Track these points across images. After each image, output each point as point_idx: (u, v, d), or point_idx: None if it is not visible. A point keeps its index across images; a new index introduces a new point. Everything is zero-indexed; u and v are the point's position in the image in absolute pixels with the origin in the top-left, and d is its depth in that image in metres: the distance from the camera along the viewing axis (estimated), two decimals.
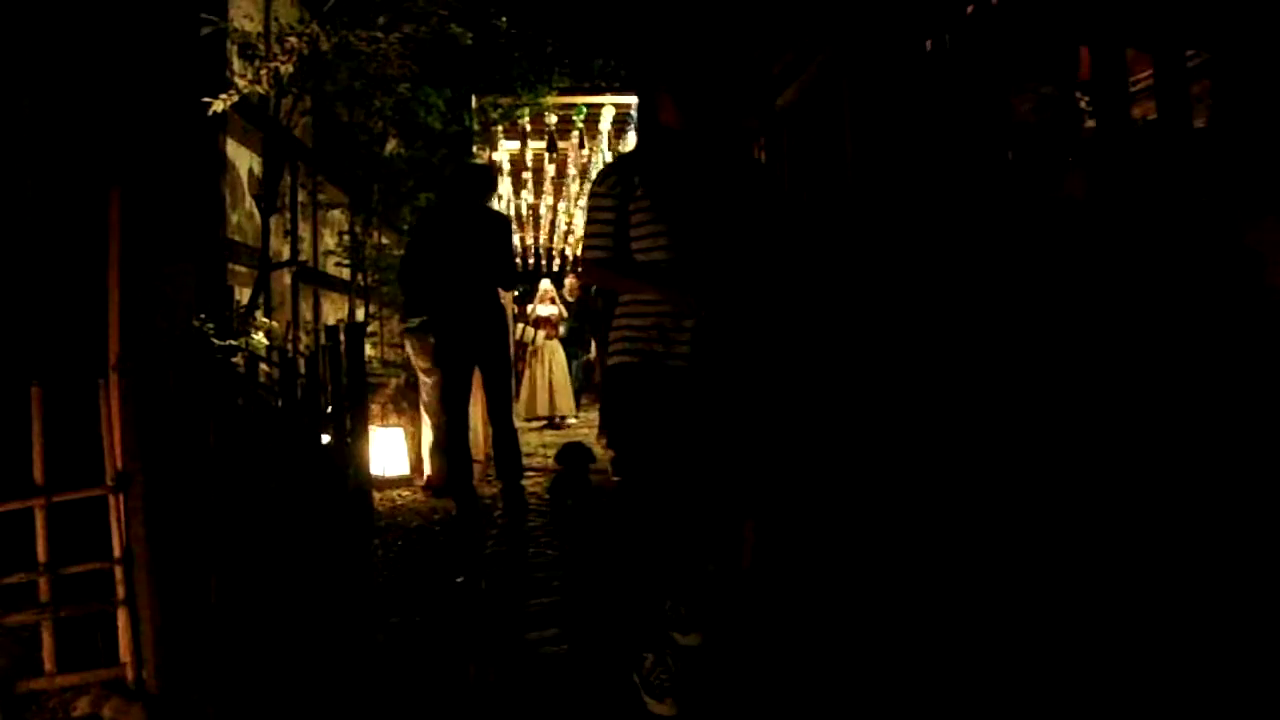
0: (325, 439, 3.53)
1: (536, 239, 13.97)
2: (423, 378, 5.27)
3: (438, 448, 5.24)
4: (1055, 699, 2.06)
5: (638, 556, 2.42)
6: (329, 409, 3.57)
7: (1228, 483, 1.92)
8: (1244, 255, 1.93)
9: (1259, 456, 1.88)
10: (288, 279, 5.85)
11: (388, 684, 2.41)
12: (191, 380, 2.59)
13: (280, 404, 3.21)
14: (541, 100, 7.21)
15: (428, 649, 2.69)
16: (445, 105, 6.16)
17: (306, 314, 6.30)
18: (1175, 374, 2.00)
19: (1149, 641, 1.99)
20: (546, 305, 9.70)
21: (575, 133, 7.93)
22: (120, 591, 2.13)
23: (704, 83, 2.34)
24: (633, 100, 6.98)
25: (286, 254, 5.45)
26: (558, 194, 10.83)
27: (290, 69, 4.34)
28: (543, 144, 8.11)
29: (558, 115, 7.56)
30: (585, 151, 8.28)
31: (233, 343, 3.78)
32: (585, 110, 7.51)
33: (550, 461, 6.12)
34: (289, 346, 3.97)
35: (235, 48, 4.58)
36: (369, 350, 5.75)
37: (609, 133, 7.94)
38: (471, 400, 5.06)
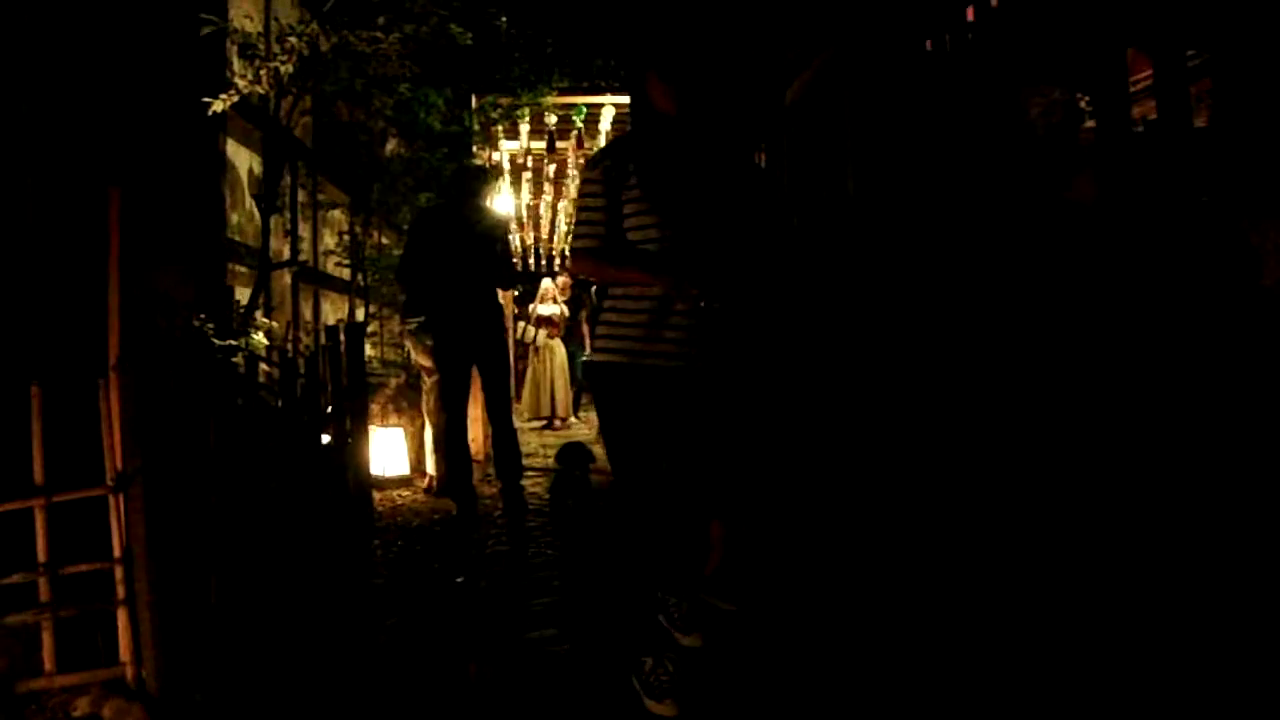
0: (325, 439, 3.53)
1: (536, 239, 13.97)
2: (425, 377, 5.28)
3: (438, 448, 5.25)
4: (1044, 699, 2.06)
5: (631, 556, 2.40)
6: (329, 409, 3.57)
7: (1228, 482, 1.92)
8: (1242, 256, 1.93)
9: (1259, 456, 1.88)
10: (288, 279, 5.85)
11: (388, 684, 2.41)
12: (191, 380, 2.59)
13: (280, 404, 3.21)
14: (541, 100, 7.22)
15: (428, 649, 2.69)
16: (445, 105, 6.17)
17: (306, 314, 6.30)
18: (1175, 376, 2.00)
19: (1144, 639, 1.99)
20: (548, 304, 9.69)
21: (575, 132, 7.93)
22: (120, 591, 2.13)
23: (694, 66, 2.27)
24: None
25: (286, 254, 5.46)
26: (558, 194, 10.83)
27: (290, 69, 4.34)
28: (543, 144, 8.12)
29: (558, 115, 7.57)
30: (585, 151, 8.29)
31: (233, 343, 3.78)
32: (585, 110, 7.52)
33: (550, 461, 6.12)
34: (289, 346, 3.98)
35: (235, 48, 4.59)
36: (369, 350, 5.75)
37: (609, 133, 7.95)
38: (472, 400, 5.06)
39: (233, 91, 4.20)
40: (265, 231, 4.81)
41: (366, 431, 4.34)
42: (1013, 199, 2.24)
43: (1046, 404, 2.18)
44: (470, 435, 5.14)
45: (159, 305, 3.66)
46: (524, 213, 12.07)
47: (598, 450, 6.01)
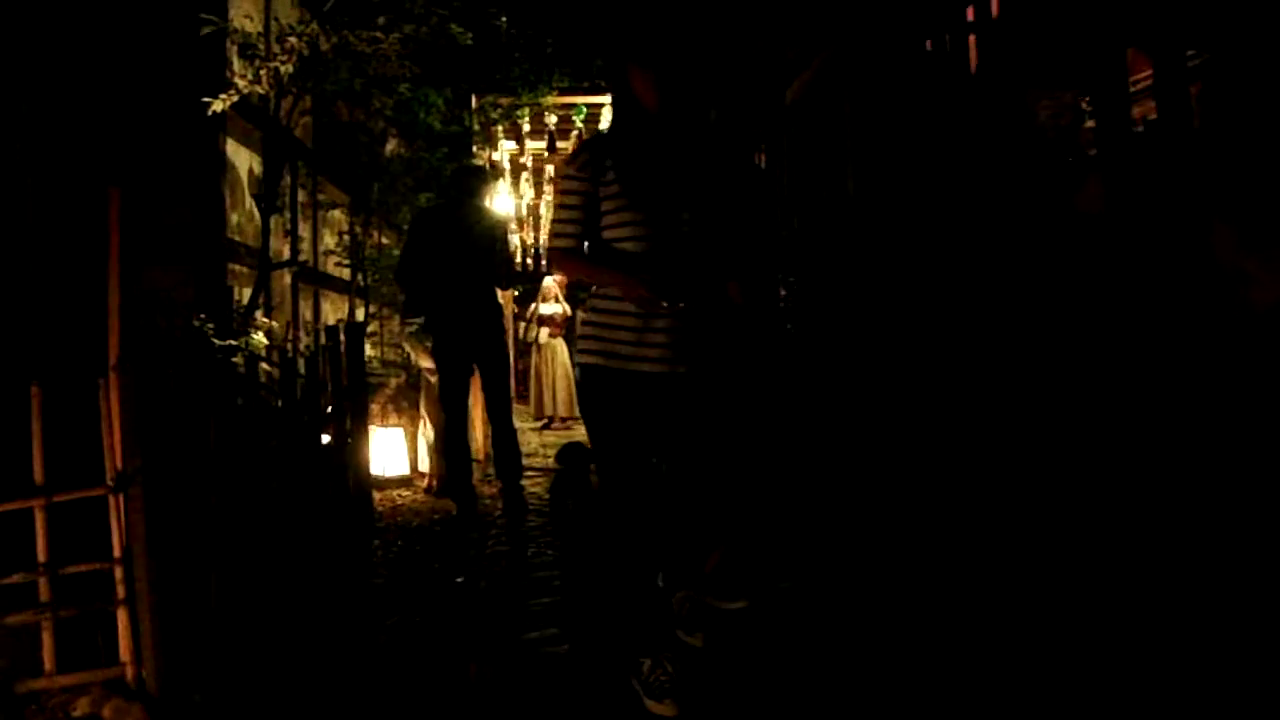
0: (325, 439, 3.53)
1: (536, 239, 13.98)
2: (426, 377, 5.27)
3: (438, 448, 5.25)
4: (1044, 697, 2.06)
5: (617, 555, 2.36)
6: (329, 409, 3.57)
7: (1223, 485, 1.92)
8: (1226, 270, 1.90)
9: (1247, 466, 1.88)
10: (288, 279, 5.85)
11: (388, 684, 2.41)
12: (191, 380, 2.59)
13: (280, 404, 3.21)
14: (541, 100, 7.22)
15: (428, 649, 2.69)
16: (445, 105, 6.17)
17: (306, 314, 6.30)
18: (1168, 387, 1.99)
19: (1143, 644, 1.99)
20: (550, 304, 9.68)
21: (575, 132, 7.94)
22: (120, 591, 2.13)
23: (677, 56, 2.15)
24: None
25: (286, 254, 5.46)
26: (558, 194, 10.83)
27: (290, 69, 4.34)
28: (543, 144, 8.12)
29: (558, 115, 7.57)
30: None
31: (233, 343, 3.78)
32: (585, 110, 7.52)
33: (550, 461, 6.12)
34: (289, 346, 3.98)
35: (235, 48, 4.59)
36: (369, 350, 5.75)
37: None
38: (472, 400, 5.06)
39: (233, 91, 4.20)
40: (265, 231, 4.81)
41: (366, 431, 4.34)
42: (1016, 202, 2.20)
43: (1044, 407, 2.18)
44: (470, 435, 5.14)
45: (159, 305, 3.66)
46: (524, 213, 12.08)
47: None
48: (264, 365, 3.59)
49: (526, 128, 7.87)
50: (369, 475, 4.53)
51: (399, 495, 5.28)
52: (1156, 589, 1.97)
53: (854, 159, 3.70)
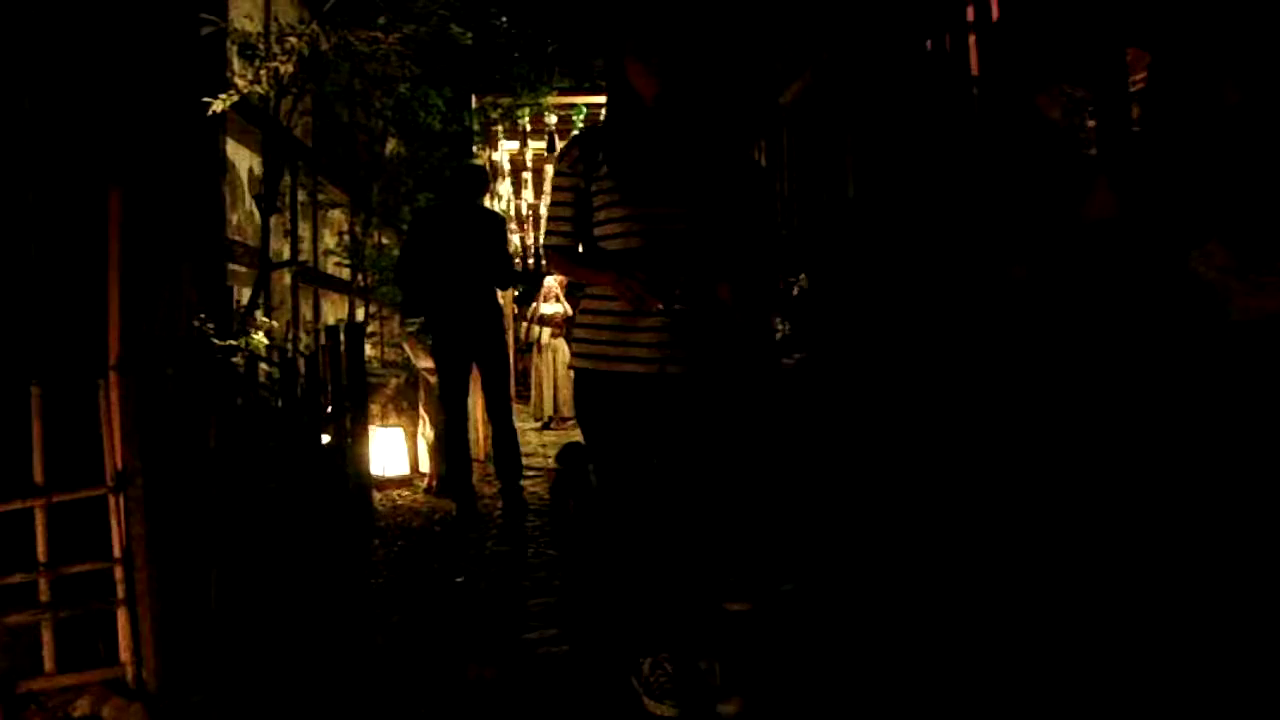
0: (325, 439, 3.53)
1: (537, 239, 13.96)
2: (426, 377, 5.28)
3: (438, 447, 5.25)
4: (1061, 696, 2.06)
5: (621, 558, 2.31)
6: (329, 409, 3.57)
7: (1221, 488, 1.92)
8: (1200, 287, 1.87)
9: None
10: (288, 279, 5.85)
11: (387, 684, 2.41)
12: (191, 380, 2.59)
13: (280, 404, 3.21)
14: (541, 100, 7.22)
15: (428, 649, 2.69)
16: (445, 105, 6.17)
17: (306, 314, 6.30)
18: (1172, 393, 1.98)
19: (1146, 647, 1.98)
20: (551, 303, 9.68)
21: (575, 133, 7.93)
22: (120, 591, 2.13)
23: (676, 45, 2.06)
24: None
25: (286, 254, 5.45)
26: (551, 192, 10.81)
27: (290, 69, 4.33)
28: (543, 144, 8.12)
29: (558, 115, 7.57)
30: None
31: (233, 343, 3.77)
32: (585, 110, 7.52)
33: (550, 461, 6.12)
34: (289, 346, 3.98)
35: (235, 48, 4.58)
36: (369, 350, 5.75)
37: None
38: (472, 400, 5.06)
39: (232, 91, 4.19)
40: (265, 231, 4.80)
41: (366, 431, 4.34)
42: (1022, 208, 2.15)
43: (1044, 411, 2.16)
44: (470, 435, 5.14)
45: (159, 305, 3.66)
46: (524, 213, 12.07)
47: None
48: (264, 365, 3.59)
49: (527, 128, 7.86)
50: (369, 475, 4.54)
51: (399, 495, 5.28)
52: (1161, 591, 1.96)
53: (854, 160, 3.70)
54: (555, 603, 3.12)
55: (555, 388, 9.39)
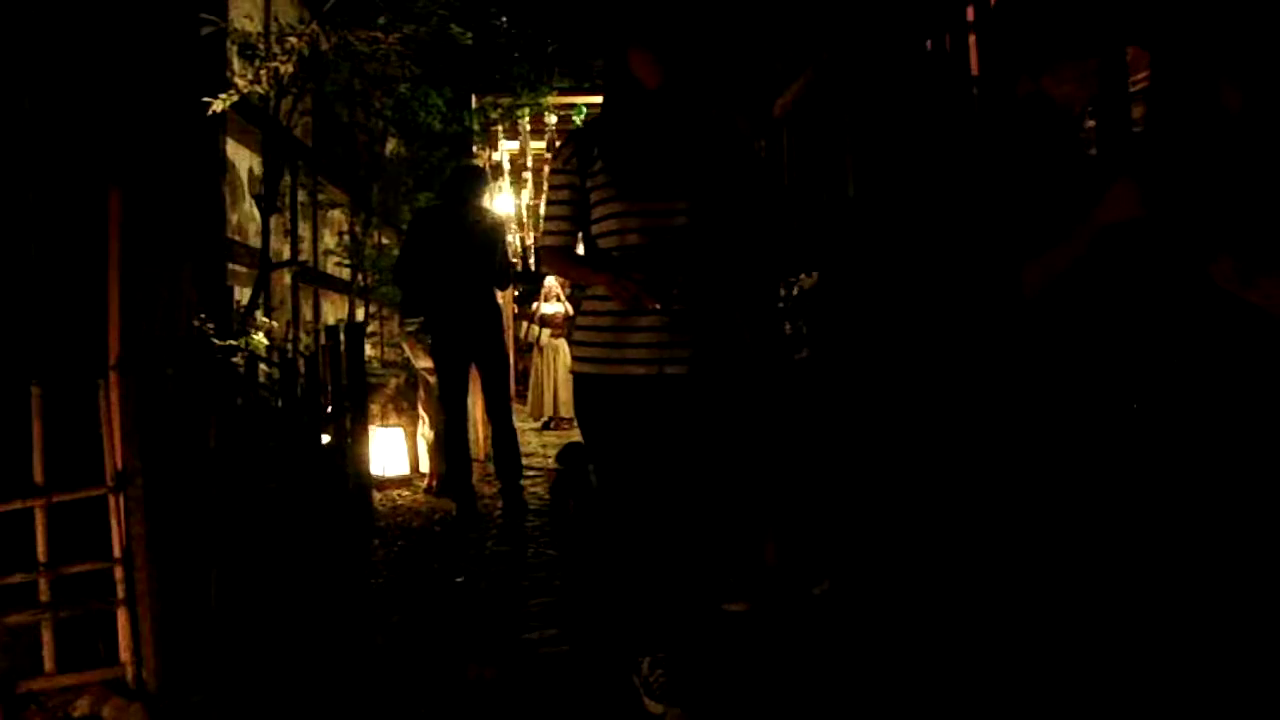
0: (325, 439, 3.53)
1: (537, 239, 13.96)
2: (425, 377, 5.28)
3: (438, 448, 5.25)
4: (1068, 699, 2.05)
5: (620, 559, 2.28)
6: (329, 409, 3.57)
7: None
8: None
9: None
10: (288, 279, 5.85)
11: (387, 684, 2.41)
12: (191, 380, 2.59)
13: (280, 404, 3.21)
14: (541, 100, 7.22)
15: (428, 649, 2.69)
16: (445, 105, 6.17)
17: (306, 314, 6.30)
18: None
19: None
20: (552, 303, 9.68)
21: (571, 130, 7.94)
22: (120, 591, 2.13)
23: (681, 36, 2.00)
24: None
25: (286, 254, 5.46)
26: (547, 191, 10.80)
27: (290, 69, 4.34)
28: (543, 144, 8.12)
29: (558, 115, 7.57)
30: None
31: (233, 343, 3.78)
32: (585, 110, 7.52)
33: (550, 461, 6.12)
34: (289, 346, 3.98)
35: (235, 48, 4.59)
36: (369, 350, 5.75)
37: None
38: (472, 400, 5.06)
39: (233, 91, 4.20)
40: (265, 231, 4.81)
41: (366, 431, 4.34)
42: (1030, 211, 2.05)
43: (1050, 413, 2.13)
44: (470, 435, 5.14)
45: (159, 305, 3.66)
46: (524, 213, 12.08)
47: None
48: (264, 365, 3.59)
49: (527, 128, 7.87)
50: (369, 475, 4.54)
51: (399, 495, 5.28)
52: (1195, 597, 1.93)
53: (854, 160, 3.70)
54: (555, 603, 3.12)
55: (555, 388, 9.39)
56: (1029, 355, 1.94)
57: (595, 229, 2.09)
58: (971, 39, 3.25)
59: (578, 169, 2.06)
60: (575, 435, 7.96)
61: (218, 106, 4.16)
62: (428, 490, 5.30)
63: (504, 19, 6.83)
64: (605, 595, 3.11)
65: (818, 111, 4.16)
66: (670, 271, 2.00)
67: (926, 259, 3.00)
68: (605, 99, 2.19)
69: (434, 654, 2.64)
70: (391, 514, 4.78)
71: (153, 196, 3.93)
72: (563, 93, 7.32)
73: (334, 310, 6.77)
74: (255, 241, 5.04)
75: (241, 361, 3.56)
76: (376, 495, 4.95)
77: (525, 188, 10.67)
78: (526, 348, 10.10)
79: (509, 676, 2.47)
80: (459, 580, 3.46)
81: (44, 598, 2.12)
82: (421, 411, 5.58)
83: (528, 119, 7.58)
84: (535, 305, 9.79)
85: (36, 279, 3.30)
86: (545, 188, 10.51)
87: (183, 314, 3.77)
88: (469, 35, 5.18)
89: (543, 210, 2.22)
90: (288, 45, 4.32)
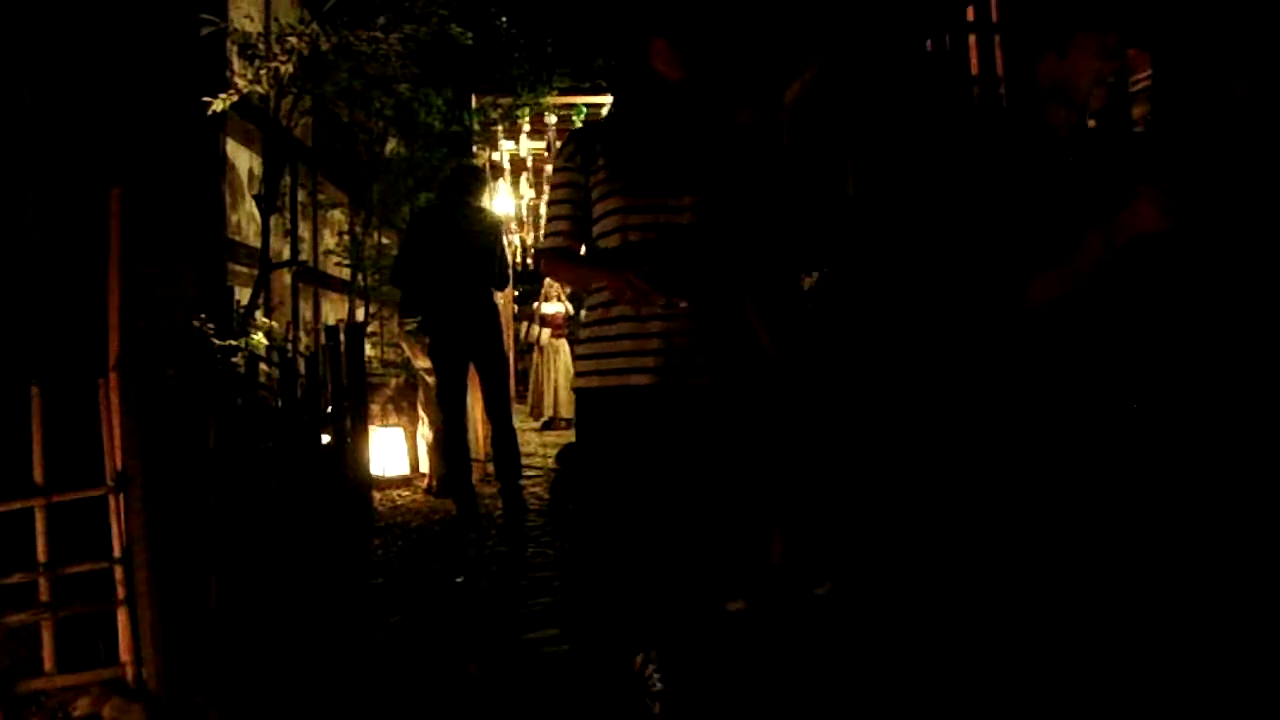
0: (325, 439, 3.53)
1: (537, 239, 13.97)
2: (424, 377, 5.28)
3: (437, 448, 5.25)
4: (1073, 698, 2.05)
5: (618, 562, 2.20)
6: (329, 409, 3.57)
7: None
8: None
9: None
10: (288, 279, 5.86)
11: (388, 683, 2.41)
12: (191, 380, 2.59)
13: (280, 404, 3.21)
14: (541, 100, 7.21)
15: (428, 649, 2.69)
16: (445, 105, 6.17)
17: (306, 314, 6.30)
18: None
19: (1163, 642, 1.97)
20: (552, 303, 9.67)
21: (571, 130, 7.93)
22: (120, 591, 2.13)
23: (708, 26, 1.94)
24: None
25: (286, 254, 5.46)
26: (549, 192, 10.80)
27: (290, 69, 4.34)
28: (542, 144, 8.12)
29: (558, 115, 7.57)
30: None
31: (233, 343, 3.78)
32: (585, 110, 7.52)
33: (550, 461, 6.12)
34: (289, 346, 3.98)
35: (235, 48, 4.59)
36: (369, 350, 5.75)
37: None
38: (472, 400, 5.06)
39: (233, 91, 4.20)
40: (265, 231, 4.81)
41: (366, 431, 4.34)
42: (1034, 216, 1.96)
43: (1056, 415, 2.11)
44: (470, 435, 5.14)
45: (159, 305, 3.66)
46: (524, 213, 12.08)
47: None
48: (264, 365, 3.59)
49: (527, 128, 7.86)
50: (369, 475, 4.54)
51: (399, 495, 5.28)
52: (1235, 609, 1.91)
53: (854, 159, 3.70)
54: (555, 603, 3.12)
55: (555, 388, 9.39)
56: (1031, 360, 1.91)
57: (597, 228, 1.98)
58: (972, 39, 3.25)
59: (580, 166, 1.97)
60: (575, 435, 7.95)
61: (218, 106, 4.16)
62: (428, 490, 5.30)
63: (504, 19, 6.83)
64: (603, 594, 3.11)
65: (819, 110, 4.16)
66: (677, 266, 1.89)
67: (926, 261, 2.99)
68: (618, 93, 2.09)
69: (434, 654, 2.64)
70: (391, 514, 4.78)
71: (153, 196, 3.93)
72: (563, 93, 7.31)
73: (334, 310, 6.77)
74: (255, 241, 5.04)
75: (241, 361, 3.56)
76: (376, 495, 4.95)
77: (525, 188, 10.68)
78: (527, 348, 10.09)
79: (509, 676, 2.47)
80: (459, 580, 3.46)
81: (44, 598, 2.12)
82: (421, 412, 5.58)
83: (528, 119, 7.57)
84: (536, 305, 9.79)
85: (36, 279, 3.31)
86: (546, 189, 10.52)
87: (182, 314, 3.77)
88: (469, 35, 5.18)
89: (543, 212, 2.11)
90: (288, 45, 4.32)
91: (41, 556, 2.12)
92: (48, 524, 2.12)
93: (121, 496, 2.13)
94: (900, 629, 2.59)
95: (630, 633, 2.30)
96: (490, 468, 5.43)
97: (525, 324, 9.82)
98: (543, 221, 2.07)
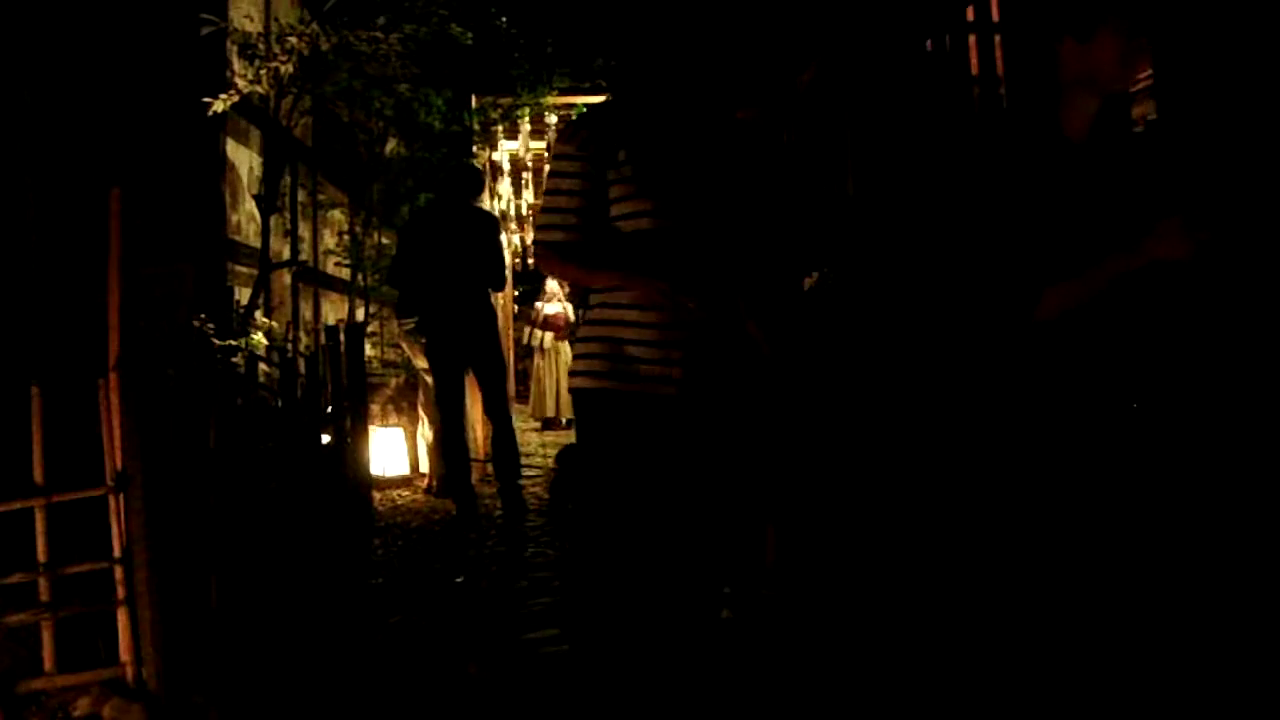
0: (325, 439, 3.53)
1: (536, 239, 13.94)
2: (424, 378, 5.28)
3: (437, 448, 5.26)
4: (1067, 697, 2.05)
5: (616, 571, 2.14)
6: (329, 409, 3.57)
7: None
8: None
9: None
10: (288, 279, 5.85)
11: (388, 684, 2.41)
12: (191, 380, 2.59)
13: (280, 404, 3.21)
14: (541, 100, 7.21)
15: (428, 649, 2.69)
16: (445, 105, 6.17)
17: (306, 314, 6.30)
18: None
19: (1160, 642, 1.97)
20: (553, 304, 9.66)
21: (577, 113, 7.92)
22: (120, 591, 2.13)
23: (712, 26, 1.83)
24: None
25: (286, 254, 5.46)
26: (549, 178, 10.79)
27: (290, 69, 4.34)
28: (543, 144, 8.12)
29: (558, 115, 7.57)
30: None
31: (233, 343, 3.78)
32: (585, 110, 7.51)
33: (550, 461, 6.12)
34: (289, 346, 3.98)
35: (235, 48, 4.59)
36: (369, 350, 5.75)
37: None
38: (472, 400, 5.06)
39: (233, 91, 4.20)
40: (265, 231, 4.80)
41: (366, 431, 4.34)
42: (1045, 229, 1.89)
43: (1063, 422, 2.10)
44: (470, 435, 5.15)
45: (159, 305, 3.66)
46: (524, 213, 12.08)
47: None
48: (264, 365, 3.59)
49: (527, 128, 7.86)
50: (369, 475, 4.54)
51: (399, 495, 5.28)
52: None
53: (853, 159, 3.70)
54: (555, 603, 3.12)
55: (556, 389, 9.39)
56: (1038, 370, 1.87)
57: (616, 224, 1.81)
58: (972, 39, 3.25)
59: (593, 155, 1.76)
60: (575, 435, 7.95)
61: (218, 106, 4.16)
62: (428, 490, 5.30)
63: (504, 19, 6.82)
64: (602, 597, 3.11)
65: (818, 110, 4.16)
66: (705, 272, 1.77)
67: (925, 263, 2.99)
68: (628, 80, 1.97)
69: (434, 654, 2.64)
70: (391, 514, 4.78)
71: (153, 196, 3.93)
72: (563, 93, 7.31)
73: (334, 310, 6.77)
74: (255, 241, 5.04)
75: (241, 361, 3.56)
76: (376, 495, 4.95)
77: (525, 188, 10.68)
78: (527, 351, 10.09)
79: (509, 676, 2.47)
80: (459, 580, 3.46)
81: (44, 598, 2.12)
82: (421, 412, 5.58)
83: (528, 119, 7.57)
84: (536, 306, 9.77)
85: (37, 279, 3.31)
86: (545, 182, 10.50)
87: (182, 314, 3.77)
88: (469, 35, 5.18)
89: (543, 202, 1.84)
90: (288, 45, 4.33)
91: (41, 556, 2.12)
92: (48, 524, 2.12)
93: (121, 496, 2.13)
94: (897, 632, 2.59)
95: (630, 635, 2.29)
96: (490, 468, 5.43)
97: (528, 329, 9.80)
98: (540, 211, 1.84)
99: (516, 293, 10.47)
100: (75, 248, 3.05)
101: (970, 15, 3.19)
